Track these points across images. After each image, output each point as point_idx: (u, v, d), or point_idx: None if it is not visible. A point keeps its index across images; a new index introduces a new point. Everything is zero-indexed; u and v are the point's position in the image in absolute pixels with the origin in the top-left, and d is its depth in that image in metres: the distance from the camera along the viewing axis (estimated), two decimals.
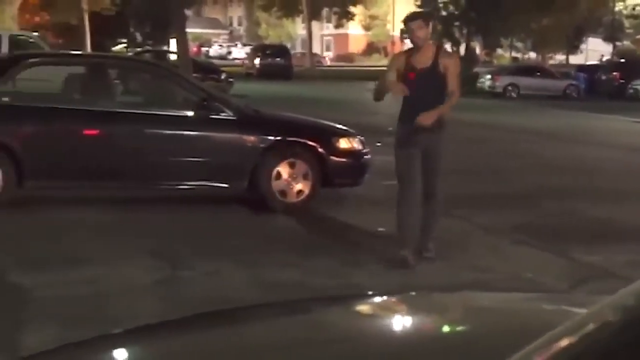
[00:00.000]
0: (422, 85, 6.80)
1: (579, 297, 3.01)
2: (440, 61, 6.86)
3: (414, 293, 2.83)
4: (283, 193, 9.39)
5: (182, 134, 9.29)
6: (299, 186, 9.41)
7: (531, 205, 10.21)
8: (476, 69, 43.48)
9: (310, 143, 9.44)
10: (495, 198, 10.66)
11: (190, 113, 9.35)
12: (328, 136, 9.66)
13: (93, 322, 5.30)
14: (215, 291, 6.30)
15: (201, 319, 2.38)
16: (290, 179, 9.39)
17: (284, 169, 9.38)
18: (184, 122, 9.33)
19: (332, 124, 10.25)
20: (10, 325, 5.36)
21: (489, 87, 37.81)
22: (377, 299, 2.60)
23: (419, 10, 8.14)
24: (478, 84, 38.97)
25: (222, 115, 9.33)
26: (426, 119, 6.73)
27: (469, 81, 41.18)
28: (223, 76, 32.48)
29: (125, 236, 7.92)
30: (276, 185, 9.35)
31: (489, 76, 38.56)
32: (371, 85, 41.69)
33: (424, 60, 6.88)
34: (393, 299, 2.58)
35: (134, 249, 7.38)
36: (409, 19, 6.96)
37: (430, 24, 7.05)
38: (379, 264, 7.10)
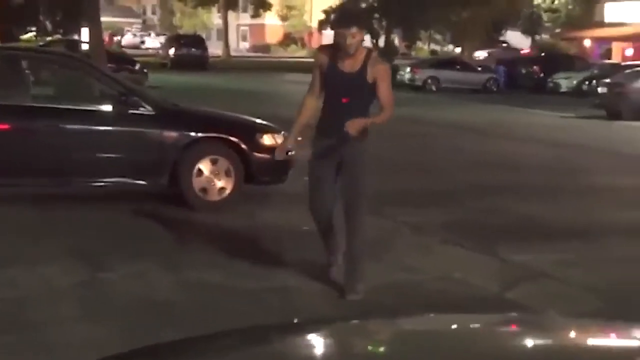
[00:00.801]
0: (346, 92, 6.03)
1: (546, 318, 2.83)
2: (369, 68, 5.97)
3: (378, 319, 2.60)
4: (204, 191, 9.13)
5: (100, 130, 8.97)
6: (220, 184, 9.16)
7: (458, 202, 10.12)
8: (396, 62, 43.64)
9: (233, 139, 9.17)
10: (422, 195, 10.54)
11: (108, 108, 8.99)
12: (251, 132, 9.40)
13: (14, 326, 5.03)
14: (138, 294, 6.12)
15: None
16: (211, 176, 9.14)
17: (205, 166, 9.12)
18: (102, 117, 9.00)
19: (254, 119, 9.98)
20: None
21: (409, 79, 37.74)
22: (336, 325, 2.38)
23: (349, 11, 6.73)
24: (398, 77, 38.85)
25: (141, 110, 9.01)
26: (354, 126, 5.77)
27: None
28: (137, 67, 31.77)
29: (43, 236, 7.62)
30: (197, 182, 9.08)
31: (408, 69, 38.49)
32: (289, 76, 41.81)
33: (351, 64, 6.00)
34: (356, 324, 2.38)
35: (53, 250, 7.10)
36: (340, 24, 5.91)
37: (363, 27, 6.16)
38: (305, 265, 6.86)
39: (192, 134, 9.10)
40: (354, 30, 5.81)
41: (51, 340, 5.10)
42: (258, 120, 9.86)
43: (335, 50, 6.05)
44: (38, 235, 7.62)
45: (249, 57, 62.43)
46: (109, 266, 6.72)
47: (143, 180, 9.00)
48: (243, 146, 9.17)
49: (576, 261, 7.46)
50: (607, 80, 26.20)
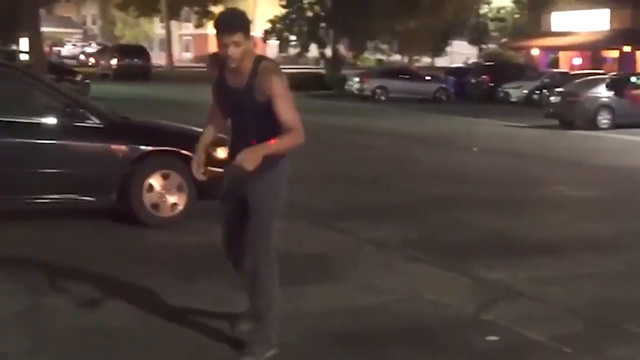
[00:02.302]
0: (239, 112, 4.98)
1: None
2: (257, 81, 4.78)
3: None
4: (156, 207, 8.67)
5: (44, 144, 8.44)
6: (173, 199, 8.72)
7: (417, 216, 9.77)
8: (343, 72, 43.39)
9: (185, 152, 8.67)
10: (378, 209, 10.17)
11: (52, 120, 8.48)
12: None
13: None
14: (88, 321, 5.61)
15: None
16: (163, 192, 8.68)
17: (156, 181, 8.68)
18: (46, 131, 8.47)
19: None
20: None
21: (357, 89, 37.51)
22: None
23: (232, 14, 5.25)
24: (346, 87, 38.74)
25: (88, 123, 8.52)
26: (246, 159, 4.61)
27: (337, 84, 41.10)
28: (79, 77, 31.10)
29: None
30: (148, 198, 8.63)
31: (357, 79, 38.21)
32: None
33: (238, 77, 4.87)
34: None
35: None
36: (221, 30, 4.76)
37: (251, 35, 4.86)
38: None
39: (142, 147, 8.63)
40: (236, 37, 4.69)
41: None
42: None
43: (223, 61, 4.89)
44: None
45: (192, 67, 61.68)
46: (54, 290, 6.24)
47: (91, 196, 8.52)
48: None
49: (551, 278, 7.12)
50: (560, 89, 26.17)
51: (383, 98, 36.43)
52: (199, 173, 5.18)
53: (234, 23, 4.78)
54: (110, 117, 8.86)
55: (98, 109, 8.90)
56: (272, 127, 4.77)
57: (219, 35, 4.74)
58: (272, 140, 4.70)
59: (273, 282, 5.00)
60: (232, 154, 4.97)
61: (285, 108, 4.76)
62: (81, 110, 8.56)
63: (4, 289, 6.20)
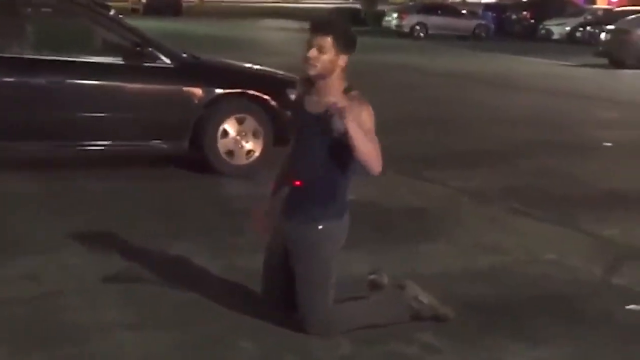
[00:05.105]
0: (304, 142, 4.24)
1: None
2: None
3: None
4: (231, 154, 8.10)
5: (111, 85, 7.85)
6: (248, 145, 8.15)
7: (506, 163, 9.16)
8: (380, 7, 42.29)
9: (262, 95, 8.13)
10: (463, 155, 9.55)
11: (120, 60, 7.87)
12: (281, 87, 8.31)
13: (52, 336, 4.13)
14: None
15: None
16: (238, 138, 8.10)
17: (231, 126, 8.09)
18: (113, 71, 7.86)
19: (281, 72, 8.91)
20: None
21: (396, 25, 36.42)
22: None
23: (333, 16, 4.30)
24: (384, 23, 37.68)
25: (158, 63, 7.93)
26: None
27: (374, 20, 40.05)
28: (112, 12, 30.35)
29: (56, 214, 6.50)
30: (223, 144, 8.06)
31: (395, 14, 37.06)
32: (266, 22, 40.44)
33: (317, 101, 4.13)
34: None
35: (71, 232, 5.95)
36: (313, 25, 4.13)
37: (346, 53, 4.09)
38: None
39: (216, 89, 8.03)
40: (324, 41, 4.02)
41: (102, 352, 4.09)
42: (286, 73, 8.79)
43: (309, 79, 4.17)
44: (48, 214, 6.51)
45: (223, 1, 60.69)
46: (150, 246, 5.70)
47: (161, 142, 7.96)
48: (273, 103, 8.14)
49: None
50: (611, 27, 25.16)
51: (422, 35, 35.42)
52: (263, 226, 4.47)
53: (328, 25, 4.12)
54: (182, 57, 8.26)
55: (168, 48, 8.27)
56: (337, 166, 4.12)
57: (310, 33, 4.09)
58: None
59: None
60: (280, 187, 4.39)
61: (372, 142, 3.97)
62: (150, 49, 7.97)
63: (90, 250, 5.64)
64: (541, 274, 5.52)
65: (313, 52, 4.02)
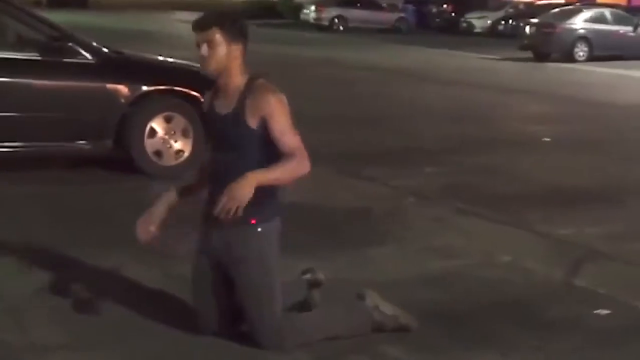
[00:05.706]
0: (219, 146, 3.95)
1: None
2: (248, 101, 3.79)
3: None
4: (158, 154, 7.66)
5: (26, 83, 7.34)
6: (177, 145, 7.73)
7: (443, 161, 8.87)
8: None
9: (191, 92, 7.69)
10: (400, 153, 9.25)
11: (37, 56, 7.36)
12: (211, 83, 7.85)
13: None
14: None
15: None
16: (167, 137, 7.67)
17: (159, 125, 7.67)
18: (29, 68, 7.35)
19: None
20: None
21: (314, 18, 36.14)
22: None
23: (211, 11, 4.17)
24: (302, 16, 37.25)
25: (79, 59, 7.44)
26: (231, 197, 3.66)
27: (291, 12, 39.58)
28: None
29: None
30: (150, 144, 7.62)
31: (313, 7, 36.69)
32: (179, 15, 39.35)
33: (225, 101, 3.89)
34: None
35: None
36: (194, 24, 3.87)
37: (240, 41, 3.84)
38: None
39: (143, 86, 7.58)
40: (210, 35, 3.78)
41: None
42: None
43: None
44: None
45: None
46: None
47: (84, 142, 7.47)
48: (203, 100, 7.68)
49: (624, 234, 6.33)
50: (535, 20, 25.25)
51: (342, 28, 35.20)
52: (146, 230, 4.06)
53: (210, 18, 3.85)
54: (104, 52, 7.76)
55: (90, 42, 7.76)
56: (267, 162, 3.78)
57: (196, 33, 3.82)
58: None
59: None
60: (207, 201, 3.96)
61: (286, 130, 3.77)
62: (70, 44, 7.46)
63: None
64: (498, 278, 5.22)
65: (204, 50, 3.79)
